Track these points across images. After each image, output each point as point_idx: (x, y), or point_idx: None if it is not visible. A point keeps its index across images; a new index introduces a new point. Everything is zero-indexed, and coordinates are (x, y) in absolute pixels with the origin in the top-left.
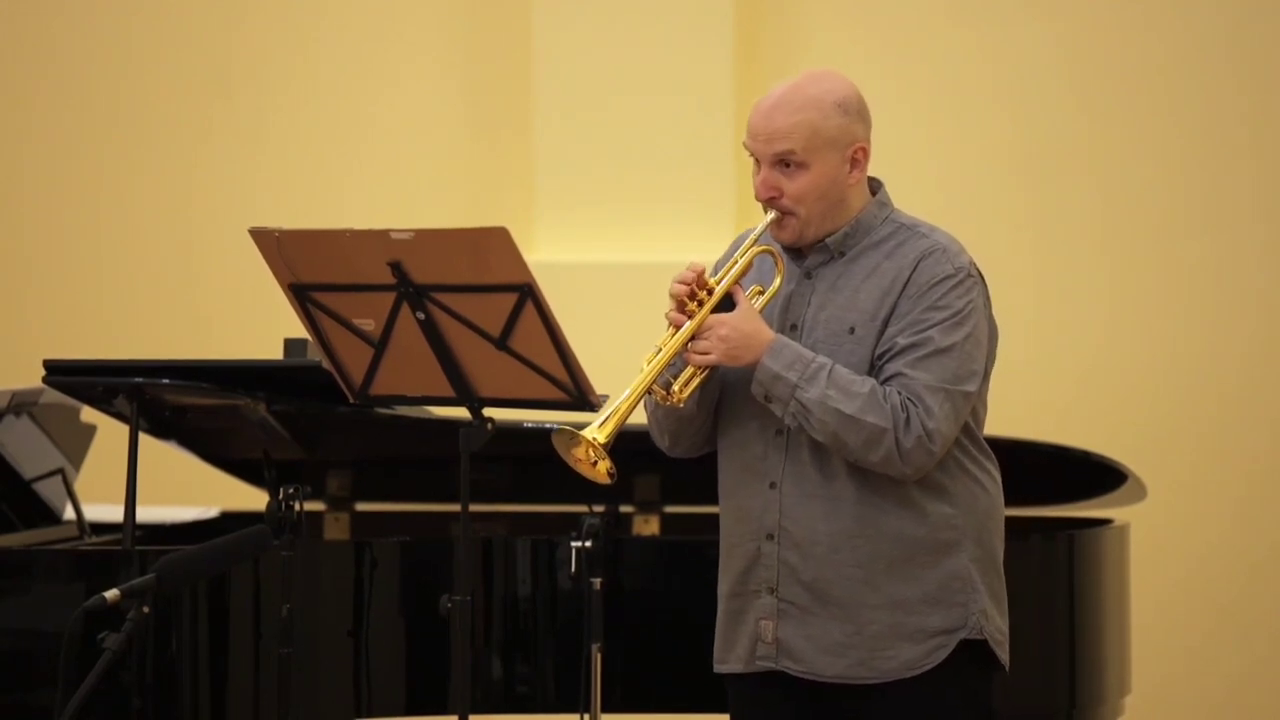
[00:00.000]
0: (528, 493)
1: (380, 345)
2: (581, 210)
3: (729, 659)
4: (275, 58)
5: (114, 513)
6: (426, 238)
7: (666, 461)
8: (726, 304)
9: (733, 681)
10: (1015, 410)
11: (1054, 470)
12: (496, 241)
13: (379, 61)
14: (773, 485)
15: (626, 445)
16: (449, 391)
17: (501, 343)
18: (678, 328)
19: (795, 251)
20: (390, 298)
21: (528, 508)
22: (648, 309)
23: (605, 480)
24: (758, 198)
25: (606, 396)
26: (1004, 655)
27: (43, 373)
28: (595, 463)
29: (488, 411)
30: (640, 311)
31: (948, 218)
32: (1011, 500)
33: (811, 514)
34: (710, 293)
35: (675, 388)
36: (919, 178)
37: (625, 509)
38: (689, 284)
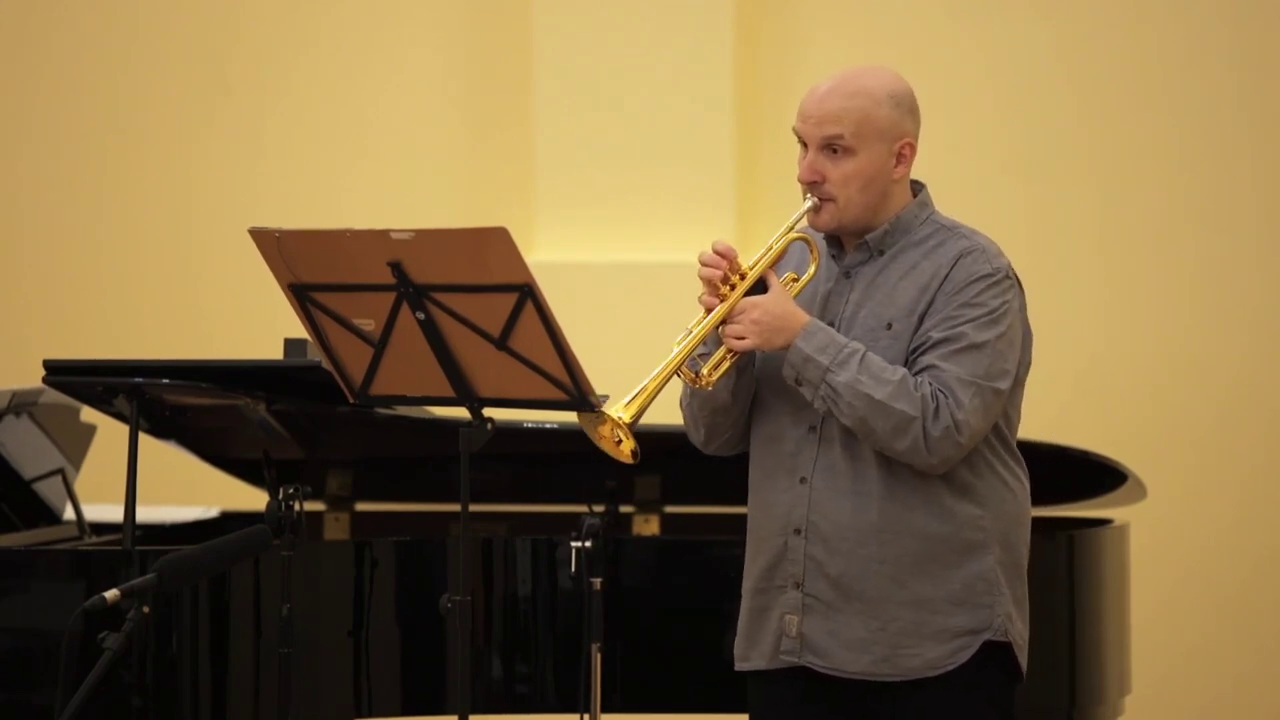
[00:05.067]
0: (528, 493)
1: (380, 345)
2: (581, 210)
3: (752, 656)
4: (275, 58)
5: (114, 513)
6: (426, 238)
7: (666, 461)
8: (759, 290)
9: (754, 680)
10: None
11: (1054, 470)
12: (496, 241)
13: (379, 61)
14: (803, 480)
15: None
16: (449, 391)
17: (501, 343)
18: (709, 311)
19: (835, 249)
20: (390, 298)
21: (528, 508)
22: (648, 309)
23: (629, 460)
24: (801, 179)
25: (607, 396)
26: (1024, 661)
27: (43, 373)
28: (619, 442)
29: (488, 411)
30: (640, 311)
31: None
32: None
33: (840, 509)
34: (743, 277)
35: (704, 370)
36: (917, 177)
37: (625, 509)
38: (718, 266)
